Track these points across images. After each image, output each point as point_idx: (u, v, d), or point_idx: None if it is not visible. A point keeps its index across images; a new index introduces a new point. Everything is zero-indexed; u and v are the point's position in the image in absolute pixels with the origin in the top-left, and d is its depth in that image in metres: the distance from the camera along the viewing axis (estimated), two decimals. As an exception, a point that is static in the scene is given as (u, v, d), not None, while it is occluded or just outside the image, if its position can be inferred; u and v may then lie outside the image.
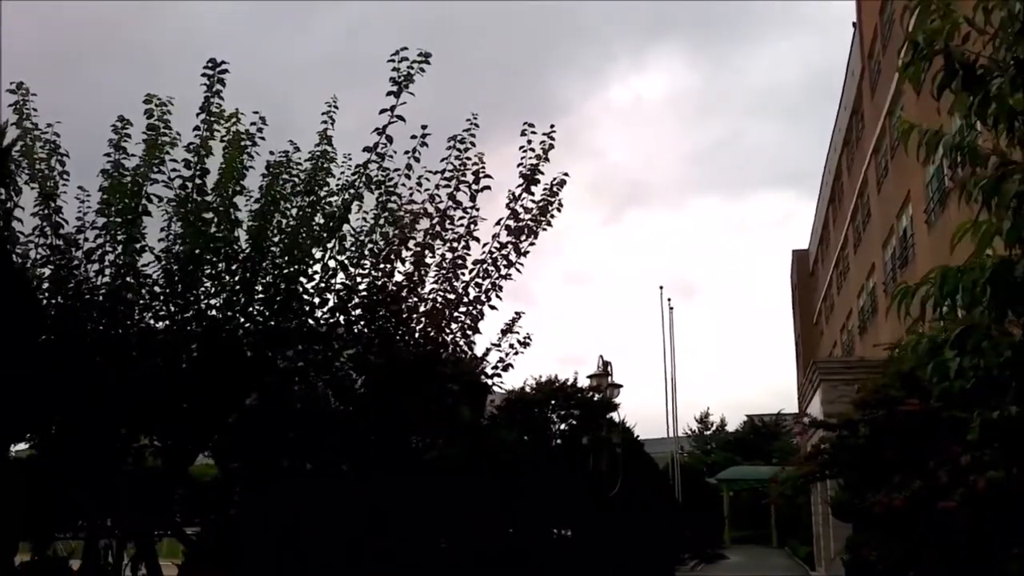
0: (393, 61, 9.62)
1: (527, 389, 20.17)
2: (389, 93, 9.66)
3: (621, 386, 23.39)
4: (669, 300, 44.06)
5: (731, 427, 62.75)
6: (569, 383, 20.68)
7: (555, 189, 10.53)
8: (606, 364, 23.49)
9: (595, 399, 21.08)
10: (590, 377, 22.58)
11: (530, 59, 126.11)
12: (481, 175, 10.26)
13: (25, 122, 9.68)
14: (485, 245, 10.47)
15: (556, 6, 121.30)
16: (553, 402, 20.38)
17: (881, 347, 22.40)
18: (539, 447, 19.69)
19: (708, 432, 62.62)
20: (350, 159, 10.50)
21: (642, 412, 71.00)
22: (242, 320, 9.81)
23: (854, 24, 34.83)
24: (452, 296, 10.53)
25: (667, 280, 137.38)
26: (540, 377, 21.25)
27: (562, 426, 21.68)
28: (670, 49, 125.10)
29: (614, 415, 22.92)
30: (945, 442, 11.34)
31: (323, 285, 10.04)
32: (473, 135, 10.29)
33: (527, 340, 11.11)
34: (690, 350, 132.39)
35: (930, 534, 11.10)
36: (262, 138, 10.27)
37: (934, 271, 5.28)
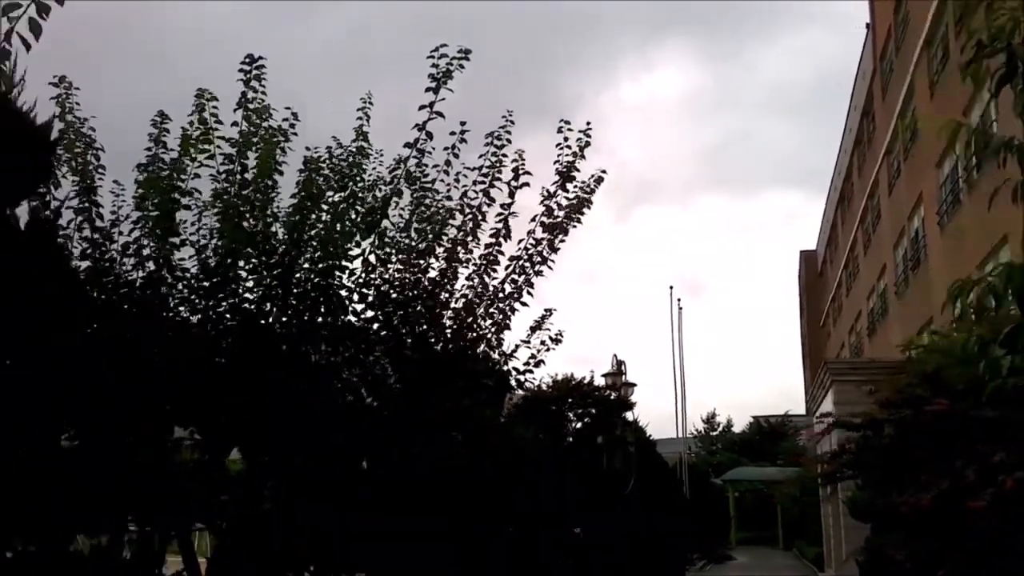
0: (432, 57, 9.68)
1: (543, 387, 20.30)
2: (428, 89, 9.71)
3: (635, 385, 23.53)
4: (679, 300, 44.00)
5: (737, 428, 62.89)
6: (586, 382, 20.88)
7: (592, 186, 10.60)
8: (620, 363, 23.58)
9: (611, 398, 21.20)
10: (605, 376, 22.72)
11: (538, 55, 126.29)
12: (521, 172, 10.32)
13: (68, 115, 9.73)
14: (520, 242, 10.52)
15: (564, 3, 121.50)
16: (570, 400, 20.55)
17: (901, 348, 22.39)
18: (554, 445, 19.79)
19: (714, 433, 62.72)
20: (382, 155, 10.63)
21: (650, 412, 71.29)
22: (278, 315, 9.86)
23: (867, 25, 34.85)
24: (484, 292, 10.57)
25: (674, 279, 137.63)
26: (556, 376, 21.43)
27: (576, 424, 21.81)
28: (679, 46, 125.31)
29: (628, 414, 23.04)
30: (973, 442, 11.39)
31: (362, 280, 10.10)
32: (509, 132, 10.36)
33: (559, 337, 11.17)
34: (696, 350, 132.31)
35: (957, 534, 11.14)
36: (294, 134, 10.33)
37: (999, 268, 5.29)
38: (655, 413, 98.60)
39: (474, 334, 10.60)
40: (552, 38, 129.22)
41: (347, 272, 10.01)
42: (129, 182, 10.12)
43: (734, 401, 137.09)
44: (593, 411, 20.82)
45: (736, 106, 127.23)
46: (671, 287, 55.43)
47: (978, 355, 6.08)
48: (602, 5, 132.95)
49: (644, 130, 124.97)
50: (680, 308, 42.54)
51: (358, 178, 10.28)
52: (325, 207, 10.06)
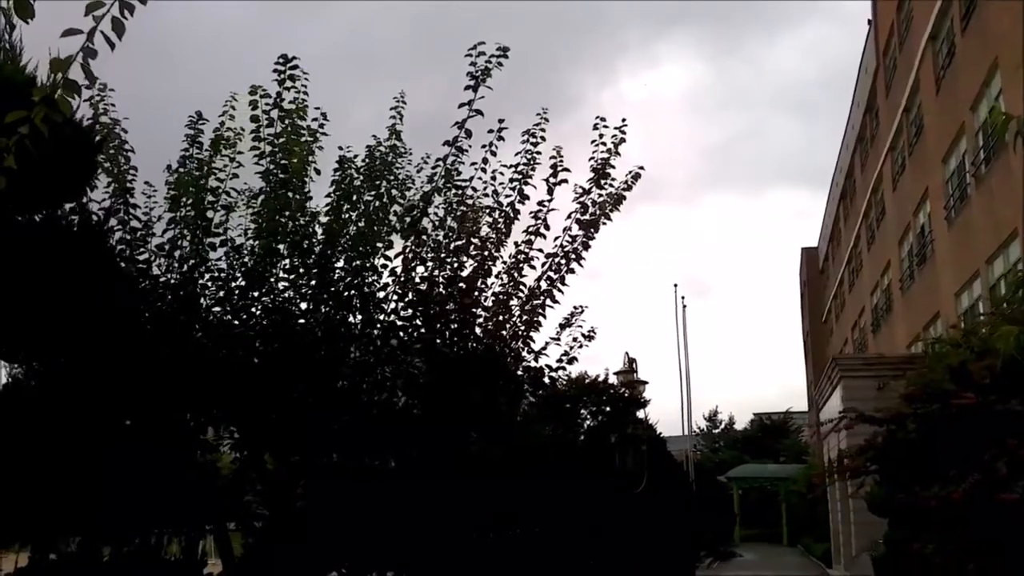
0: (471, 55, 9.67)
1: (559, 385, 20.26)
2: (467, 87, 9.72)
3: (647, 383, 23.56)
4: (683, 298, 43.95)
5: (739, 425, 62.98)
6: (600, 380, 20.86)
7: (630, 182, 10.61)
8: (631, 361, 23.61)
9: (625, 396, 21.23)
10: (617, 374, 22.72)
11: (542, 52, 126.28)
12: (559, 168, 10.30)
13: (102, 117, 9.73)
14: (557, 239, 10.51)
15: (566, 2, 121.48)
16: (584, 399, 20.52)
17: (911, 343, 22.36)
18: (568, 443, 19.78)
19: (716, 430, 62.81)
20: (411, 152, 10.67)
21: (655, 410, 71.36)
22: (315, 314, 9.86)
23: (869, 21, 34.90)
24: (518, 290, 10.55)
25: (679, 278, 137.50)
26: (569, 374, 21.39)
27: (589, 422, 21.80)
28: (683, 42, 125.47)
29: (640, 412, 23.07)
30: (1001, 435, 11.41)
31: (402, 279, 10.09)
32: (543, 129, 10.35)
33: (592, 333, 11.17)
34: (701, 348, 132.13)
35: (988, 527, 11.17)
36: (324, 133, 10.34)
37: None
38: (660, 411, 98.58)
39: (507, 332, 10.59)
40: (557, 33, 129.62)
41: (387, 270, 10.02)
42: (153, 180, 10.16)
43: (737, 398, 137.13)
44: (608, 409, 20.82)
45: (743, 103, 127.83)
46: (675, 285, 55.23)
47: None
48: (605, 2, 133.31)
49: (648, 127, 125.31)
50: (684, 306, 42.52)
51: (391, 177, 10.29)
52: (360, 206, 10.07)
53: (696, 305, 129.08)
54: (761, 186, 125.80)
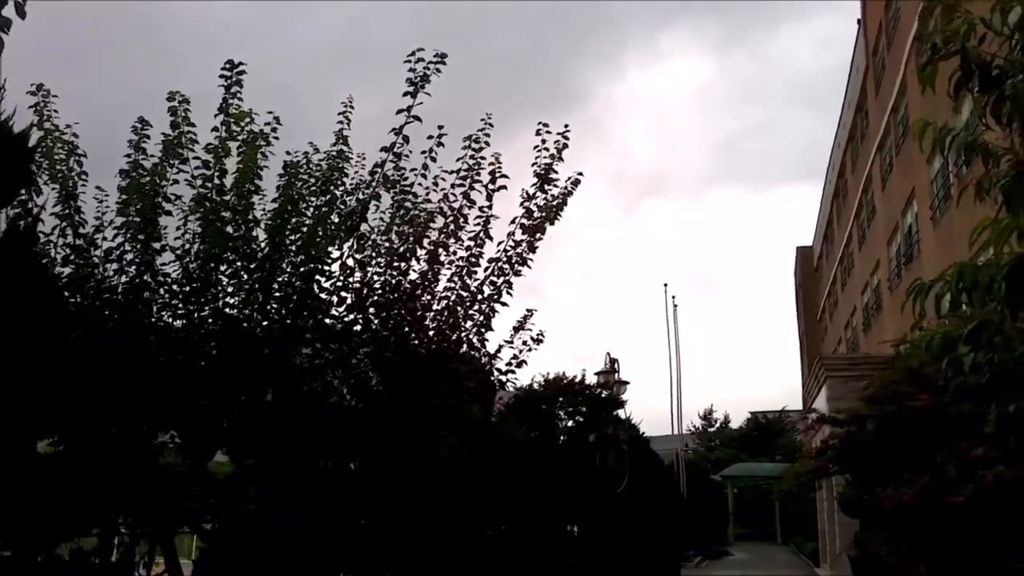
0: (409, 62, 9.74)
1: (535, 386, 20.36)
2: (406, 94, 9.77)
3: (628, 383, 23.60)
4: (674, 298, 43.98)
5: (735, 424, 62.89)
6: (577, 380, 20.95)
7: (571, 188, 10.67)
8: (613, 361, 23.66)
9: (603, 396, 21.28)
10: (597, 374, 22.79)
11: (547, 49, 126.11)
12: (497, 175, 10.37)
13: (46, 123, 9.80)
14: (500, 243, 10.59)
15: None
16: (561, 399, 20.60)
17: (887, 343, 22.43)
18: (547, 444, 19.84)
19: (712, 429, 62.75)
20: (364, 158, 10.69)
21: (649, 409, 71.34)
22: (259, 318, 9.91)
23: (859, 21, 34.90)
24: (466, 294, 10.63)
25: (681, 275, 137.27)
26: (549, 375, 21.50)
27: (568, 423, 21.87)
28: (690, 36, 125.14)
29: (620, 412, 23.11)
30: (953, 437, 11.46)
31: (340, 284, 10.16)
32: (488, 135, 10.40)
33: (540, 337, 11.23)
34: (702, 346, 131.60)
35: (939, 529, 11.21)
36: (276, 138, 10.37)
37: (952, 268, 5.37)
38: (654, 410, 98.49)
39: (456, 335, 10.66)
40: (563, 29, 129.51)
41: (326, 275, 10.07)
42: (114, 188, 10.21)
43: (739, 396, 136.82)
44: (584, 409, 20.88)
45: (753, 98, 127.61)
46: (665, 285, 55.25)
47: (942, 352, 6.16)
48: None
49: (655, 123, 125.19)
50: (675, 305, 42.56)
51: (339, 182, 10.34)
52: (308, 211, 10.12)
53: (701, 302, 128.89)
54: (768, 182, 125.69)
